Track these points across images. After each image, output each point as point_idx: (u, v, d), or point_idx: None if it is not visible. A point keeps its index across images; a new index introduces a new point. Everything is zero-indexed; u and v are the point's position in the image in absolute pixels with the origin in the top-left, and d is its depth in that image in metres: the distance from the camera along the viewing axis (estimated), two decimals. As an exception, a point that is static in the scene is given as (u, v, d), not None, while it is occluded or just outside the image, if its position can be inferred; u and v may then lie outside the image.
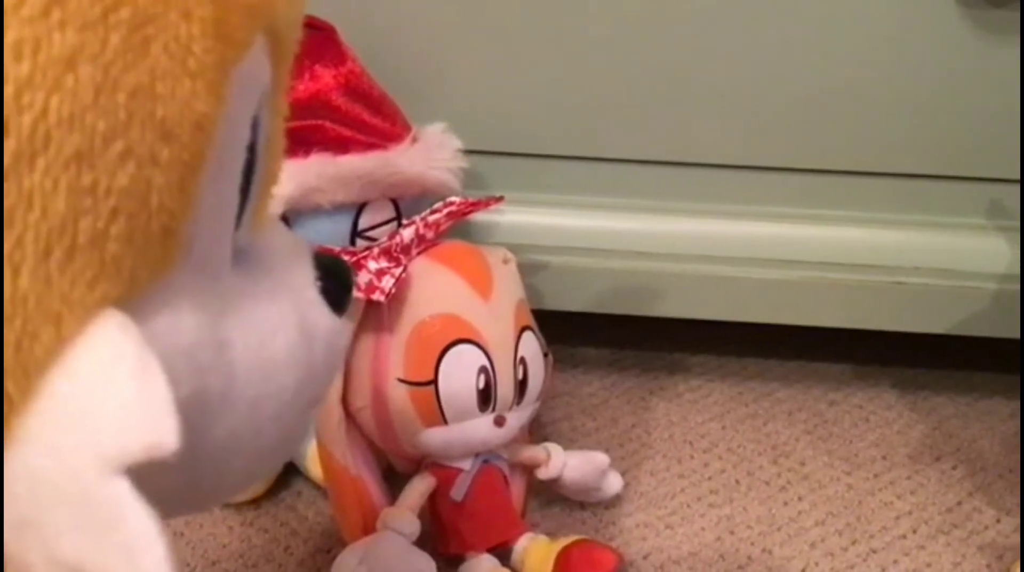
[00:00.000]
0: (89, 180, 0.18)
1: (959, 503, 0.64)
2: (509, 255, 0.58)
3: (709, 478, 0.65)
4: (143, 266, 0.20)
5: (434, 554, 0.52)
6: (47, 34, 0.18)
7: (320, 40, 0.57)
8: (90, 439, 0.18)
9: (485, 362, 0.53)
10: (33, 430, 0.18)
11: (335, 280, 0.27)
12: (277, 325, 0.24)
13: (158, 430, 0.18)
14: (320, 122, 0.56)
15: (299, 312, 0.25)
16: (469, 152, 0.61)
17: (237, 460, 0.23)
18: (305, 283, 0.26)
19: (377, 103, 0.59)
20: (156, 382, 0.18)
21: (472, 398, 0.52)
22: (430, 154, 0.59)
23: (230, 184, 0.23)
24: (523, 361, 0.54)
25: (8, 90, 0.17)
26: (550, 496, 0.62)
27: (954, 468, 0.67)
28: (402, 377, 0.52)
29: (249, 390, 0.21)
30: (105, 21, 0.18)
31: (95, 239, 0.19)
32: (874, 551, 0.60)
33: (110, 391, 0.18)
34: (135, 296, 0.20)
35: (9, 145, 0.17)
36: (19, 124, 0.17)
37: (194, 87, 0.20)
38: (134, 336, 0.19)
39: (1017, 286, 0.65)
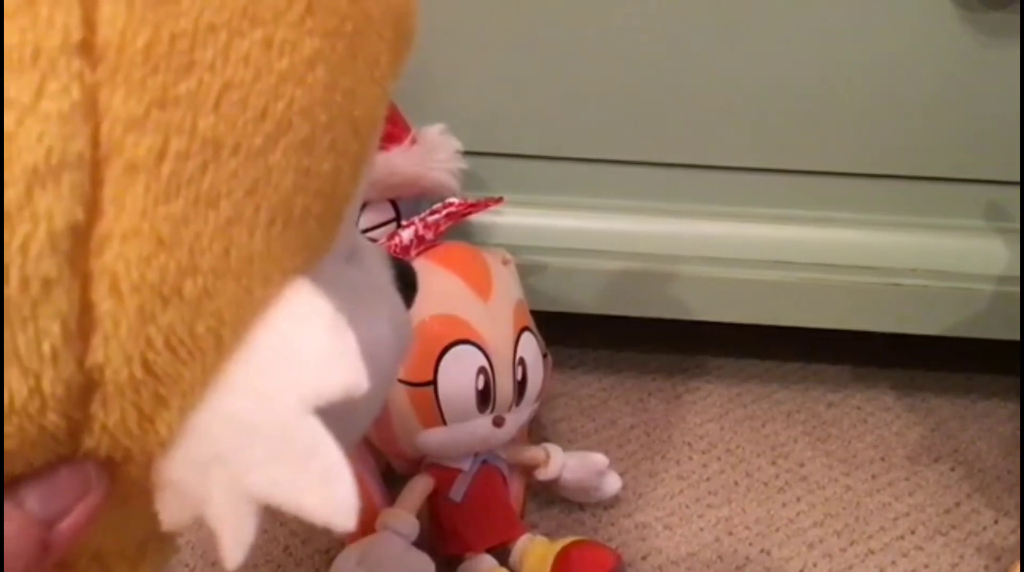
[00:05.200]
0: (307, 164, 0.21)
1: (957, 504, 0.64)
2: (508, 256, 0.59)
3: (708, 479, 0.65)
4: (322, 243, 0.23)
5: (433, 554, 0.52)
6: (301, 37, 0.21)
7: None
8: (292, 381, 0.20)
9: (484, 363, 0.53)
10: (234, 376, 0.21)
11: (403, 281, 0.30)
12: (380, 315, 0.27)
13: (353, 374, 0.20)
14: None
15: (390, 306, 0.28)
16: (468, 153, 0.61)
17: (349, 428, 0.25)
18: (390, 281, 0.29)
19: (377, 104, 0.59)
20: (347, 334, 0.21)
21: (471, 399, 0.52)
22: (429, 155, 0.59)
23: (368, 178, 0.26)
24: (522, 362, 0.55)
25: (271, 80, 0.20)
26: (549, 497, 0.62)
27: (952, 469, 0.67)
28: (401, 378, 0.52)
29: (365, 367, 0.22)
30: (337, 31, 0.22)
31: (303, 216, 0.22)
32: (872, 552, 0.60)
33: (309, 341, 0.21)
34: (309, 269, 0.22)
35: (266, 126, 0.20)
36: (275, 110, 0.20)
37: (376, 94, 0.23)
38: (324, 297, 0.21)
39: (1015, 288, 0.65)
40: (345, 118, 0.22)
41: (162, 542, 0.25)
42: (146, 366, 0.20)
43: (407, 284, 0.30)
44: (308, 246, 0.22)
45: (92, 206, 0.18)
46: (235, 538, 0.20)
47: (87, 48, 0.18)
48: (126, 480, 0.21)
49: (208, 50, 0.19)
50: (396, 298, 0.29)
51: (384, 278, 0.29)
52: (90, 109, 0.18)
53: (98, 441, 0.20)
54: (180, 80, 0.19)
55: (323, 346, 0.20)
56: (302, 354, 0.20)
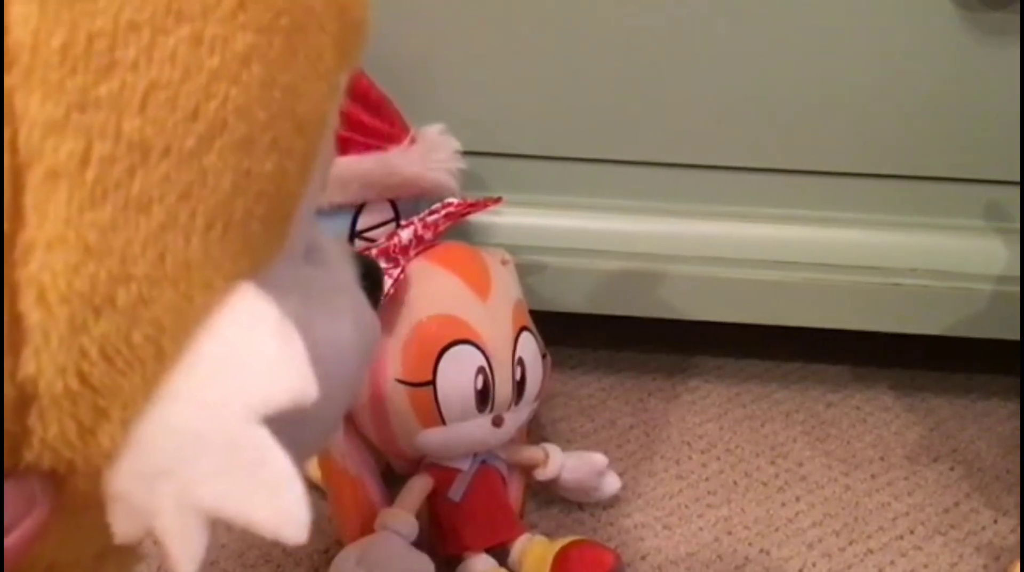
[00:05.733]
0: (247, 165, 0.21)
1: (956, 504, 0.64)
2: (507, 256, 0.59)
3: (707, 479, 0.65)
4: (269, 245, 0.22)
5: (432, 554, 0.52)
6: (232, 33, 0.20)
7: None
8: (238, 391, 0.20)
9: (483, 362, 0.53)
10: (179, 386, 0.20)
11: (369, 279, 0.29)
12: (342, 315, 0.26)
13: (301, 381, 0.20)
14: (319, 123, 0.56)
15: (353, 305, 0.27)
16: (467, 153, 0.61)
17: (307, 434, 0.25)
18: (353, 279, 0.29)
19: (376, 105, 0.59)
20: (295, 340, 0.20)
21: (470, 398, 0.52)
22: (428, 155, 0.59)
23: (323, 176, 0.25)
24: (521, 361, 0.54)
25: (201, 79, 0.20)
26: (548, 496, 0.62)
27: (952, 469, 0.67)
28: (400, 378, 0.52)
29: (323, 369, 0.22)
30: (273, 26, 0.21)
31: (244, 218, 0.21)
32: (871, 552, 0.60)
33: (255, 348, 0.20)
34: (256, 273, 0.22)
35: (198, 127, 0.20)
36: (207, 110, 0.20)
37: (322, 88, 0.23)
38: (271, 302, 0.21)
39: (1015, 287, 0.65)
40: (287, 116, 0.21)
41: (121, 553, 0.24)
42: (81, 377, 0.19)
43: (373, 282, 0.30)
44: (252, 249, 0.22)
45: (14, 214, 0.18)
46: (185, 552, 0.20)
47: None
48: (74, 492, 0.21)
49: (130, 49, 0.19)
50: (360, 297, 0.28)
51: (347, 277, 0.28)
52: (6, 113, 0.18)
53: (39, 454, 0.20)
54: (101, 81, 0.18)
55: (269, 353, 0.20)
56: (247, 362, 0.20)
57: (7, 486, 0.20)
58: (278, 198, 0.22)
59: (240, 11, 0.20)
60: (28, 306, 0.18)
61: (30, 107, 0.18)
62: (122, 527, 0.21)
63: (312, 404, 0.20)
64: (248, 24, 0.20)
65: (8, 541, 0.20)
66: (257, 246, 0.22)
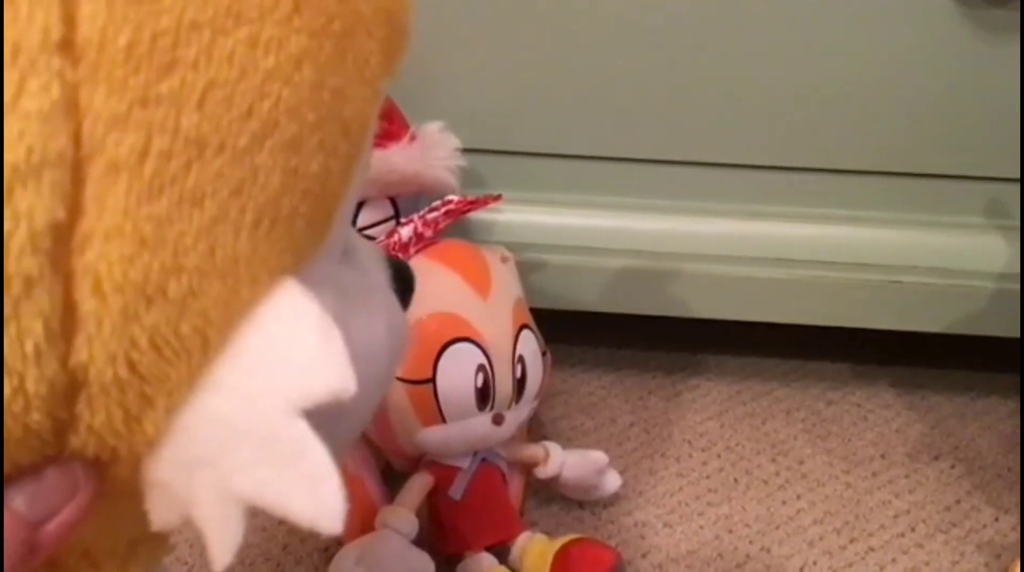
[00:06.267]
0: (294, 163, 0.21)
1: (957, 502, 0.64)
2: (507, 254, 0.58)
3: (707, 477, 0.65)
4: (311, 243, 0.23)
5: (432, 553, 0.52)
6: (287, 36, 0.21)
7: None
8: (279, 384, 0.20)
9: (483, 360, 0.52)
10: (222, 377, 0.20)
11: (400, 281, 0.30)
12: (376, 315, 0.27)
13: (340, 376, 0.20)
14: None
15: (386, 306, 0.28)
16: (467, 150, 0.61)
17: (341, 430, 0.25)
18: (385, 281, 0.29)
19: (375, 101, 0.58)
20: (335, 336, 0.21)
21: (470, 396, 0.52)
22: (428, 152, 0.59)
23: (362, 178, 0.26)
24: (521, 359, 0.54)
25: (256, 79, 0.20)
26: (548, 495, 0.62)
27: (952, 467, 0.67)
28: (400, 375, 0.52)
29: (357, 368, 0.23)
30: (325, 30, 0.22)
31: (291, 215, 0.21)
32: (872, 549, 0.60)
33: (297, 343, 0.21)
34: (299, 270, 0.22)
35: (251, 125, 0.20)
36: (261, 109, 0.20)
37: (366, 93, 0.23)
38: (313, 298, 0.21)
39: (1015, 285, 0.65)
40: (334, 118, 0.22)
41: (154, 541, 0.25)
42: (131, 366, 0.19)
43: (404, 284, 0.30)
44: (296, 246, 0.22)
45: (74, 205, 0.18)
46: (222, 540, 0.20)
47: (67, 46, 0.18)
48: (114, 480, 0.21)
49: (191, 48, 0.19)
50: (392, 298, 0.29)
51: (380, 278, 0.29)
52: (71, 107, 0.18)
53: (84, 441, 0.20)
54: (162, 78, 0.19)
55: (311, 348, 0.20)
56: (289, 356, 0.20)
57: (51, 472, 0.20)
58: (322, 197, 0.22)
59: (295, 15, 0.21)
60: (83, 294, 0.19)
61: (94, 102, 0.18)
62: (159, 515, 0.22)
63: (349, 400, 0.20)
64: (303, 28, 0.21)
65: (50, 526, 0.20)
66: (301, 243, 0.22)
